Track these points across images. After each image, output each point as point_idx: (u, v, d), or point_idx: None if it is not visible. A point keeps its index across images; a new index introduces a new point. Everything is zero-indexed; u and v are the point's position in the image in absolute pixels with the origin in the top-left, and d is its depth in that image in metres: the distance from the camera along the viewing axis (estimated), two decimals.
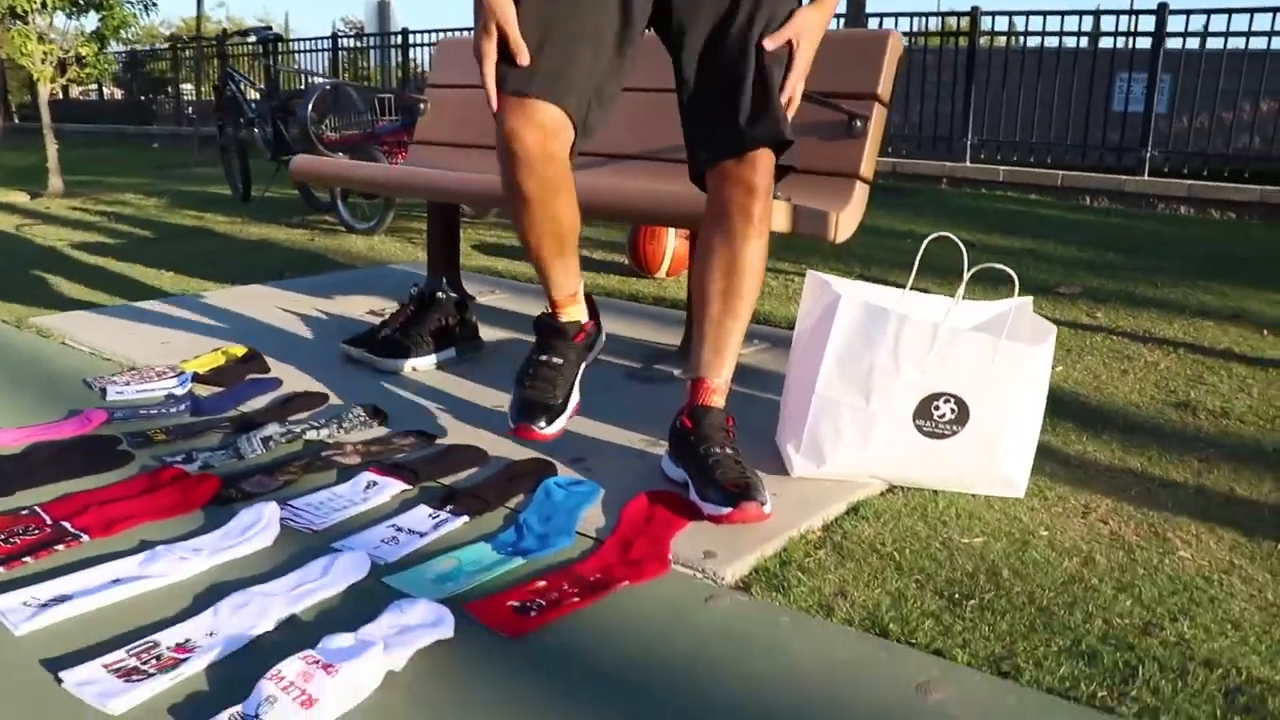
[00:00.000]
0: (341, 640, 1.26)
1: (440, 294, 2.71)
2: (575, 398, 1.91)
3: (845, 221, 2.26)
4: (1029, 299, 1.98)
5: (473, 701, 1.21)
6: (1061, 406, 2.47)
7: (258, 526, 1.61)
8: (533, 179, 1.73)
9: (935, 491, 1.91)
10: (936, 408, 1.81)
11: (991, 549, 1.69)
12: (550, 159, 1.72)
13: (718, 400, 1.84)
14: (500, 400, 2.39)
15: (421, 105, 3.39)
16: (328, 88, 5.46)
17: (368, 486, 1.82)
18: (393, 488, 1.81)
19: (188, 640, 1.31)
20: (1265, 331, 3.34)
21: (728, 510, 1.65)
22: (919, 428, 1.82)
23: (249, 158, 6.49)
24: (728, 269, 1.80)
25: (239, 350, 2.62)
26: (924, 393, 1.80)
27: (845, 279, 2.02)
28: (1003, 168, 7.51)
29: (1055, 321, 3.36)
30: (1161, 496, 1.96)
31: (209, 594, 1.45)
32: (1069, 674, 1.33)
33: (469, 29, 7.16)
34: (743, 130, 1.72)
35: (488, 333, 2.97)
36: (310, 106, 3.78)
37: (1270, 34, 6.82)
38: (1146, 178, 6.96)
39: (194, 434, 2.07)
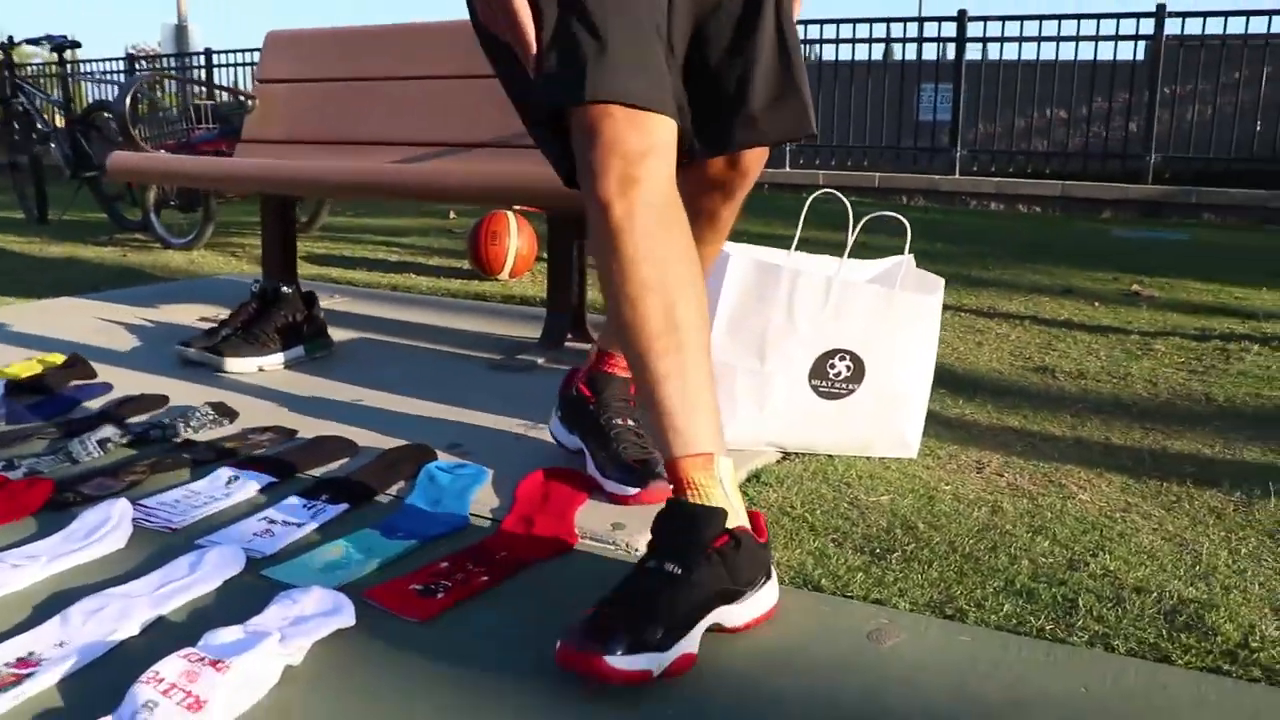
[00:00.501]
0: (228, 634, 1.09)
1: (285, 289, 2.51)
2: (689, 647, 1.12)
3: None
4: (910, 256, 1.96)
5: (383, 692, 1.07)
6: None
7: (106, 527, 1.41)
8: (669, 233, 1.19)
9: (830, 456, 1.85)
10: (832, 365, 1.75)
11: (900, 505, 1.64)
12: (678, 203, 1.23)
13: (622, 373, 1.69)
14: (360, 396, 2.21)
15: (249, 102, 3.16)
16: (147, 78, 5.07)
17: (229, 481, 1.62)
18: (258, 482, 1.62)
19: (31, 654, 1.11)
20: (1096, 304, 3.47)
21: (634, 490, 1.53)
22: (815, 388, 1.76)
23: (44, 178, 5.99)
24: (702, 229, 1.54)
25: (58, 358, 2.35)
26: (819, 350, 1.74)
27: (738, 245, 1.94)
28: (822, 172, 7.71)
29: None
30: (1046, 449, 1.97)
31: (53, 602, 1.24)
32: (1012, 612, 1.28)
33: None
34: (754, 117, 1.38)
35: (335, 335, 2.77)
36: (128, 99, 3.47)
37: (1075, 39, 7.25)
38: (957, 176, 7.27)
39: (14, 441, 1.82)
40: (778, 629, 1.21)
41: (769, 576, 1.23)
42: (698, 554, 1.14)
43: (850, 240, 1.86)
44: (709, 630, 1.16)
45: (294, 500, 1.55)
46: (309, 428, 1.93)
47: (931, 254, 4.65)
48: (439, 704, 1.04)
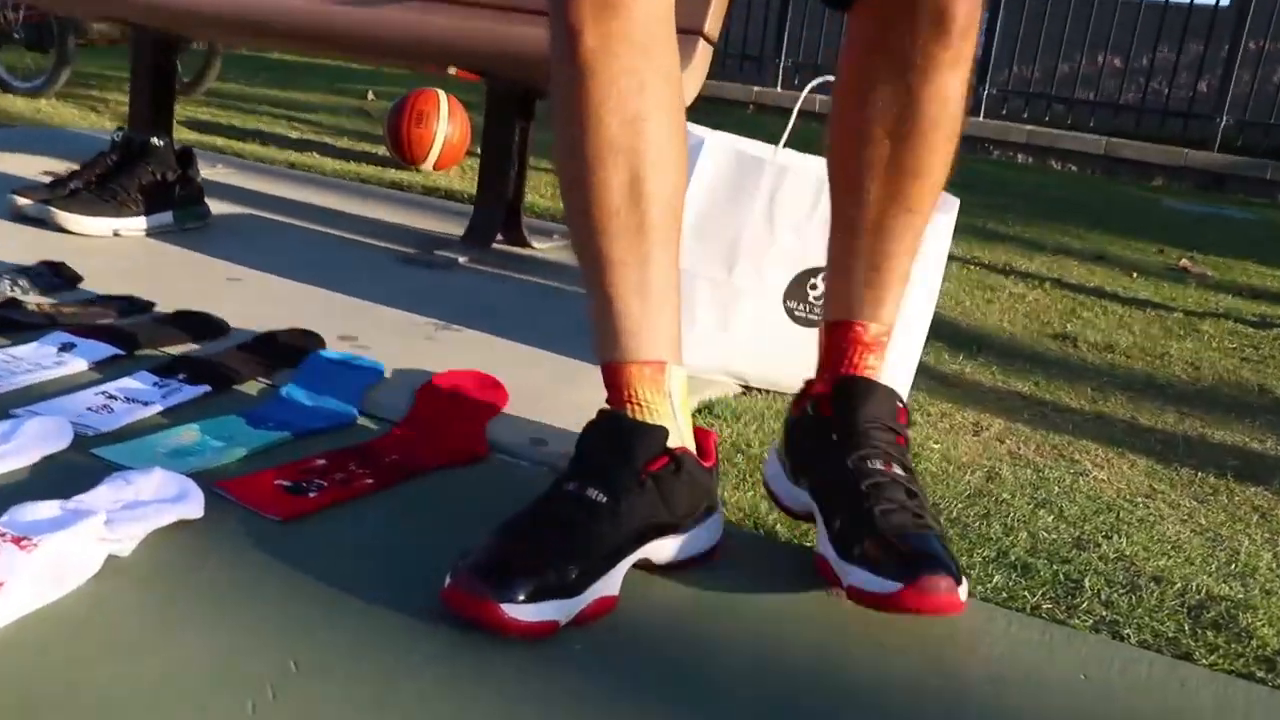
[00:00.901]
0: (41, 510, 1.05)
1: (156, 140, 2.43)
2: (608, 589, 1.09)
3: (686, 84, 2.17)
4: None
5: (225, 597, 1.03)
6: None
7: None
8: (651, 82, 1.14)
9: None
10: (814, 286, 1.74)
11: None
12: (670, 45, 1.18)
13: (879, 365, 1.27)
14: (240, 276, 2.16)
15: None
16: None
17: (63, 349, 1.57)
18: (99, 352, 1.57)
19: None
20: (1135, 275, 3.50)
21: (895, 587, 1.08)
22: (790, 311, 1.74)
23: None
24: (901, 118, 1.20)
25: None
26: (800, 266, 1.73)
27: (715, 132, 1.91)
28: (820, 96, 7.68)
29: None
30: (1058, 420, 1.98)
31: None
32: (1004, 585, 1.28)
33: None
34: None
35: (214, 207, 2.71)
36: None
37: None
38: (981, 118, 7.29)
39: None
40: (722, 572, 1.20)
41: (713, 510, 1.21)
42: (629, 479, 1.12)
43: None
44: (636, 567, 1.14)
45: (145, 377, 1.50)
46: (172, 303, 1.87)
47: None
48: (292, 617, 1.01)
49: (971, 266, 3.35)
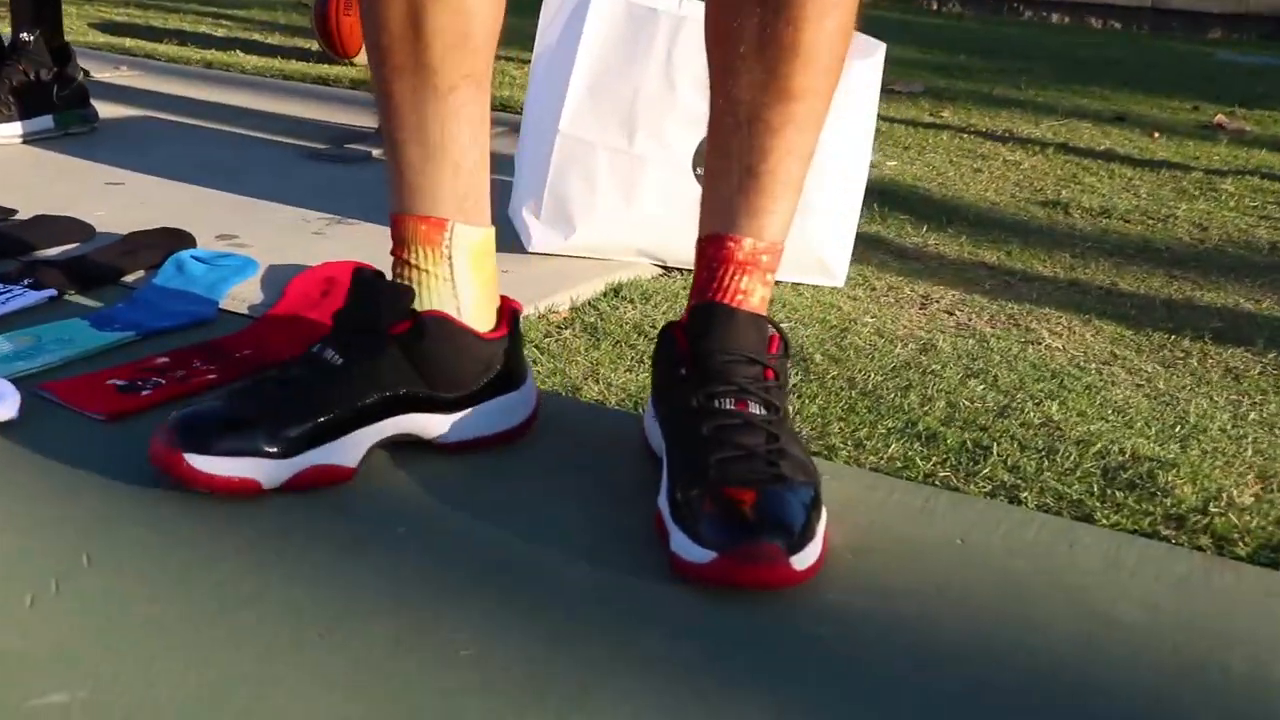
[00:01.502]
0: None
1: (25, 35, 2.47)
2: (335, 458, 1.14)
3: None
4: None
5: (28, 498, 1.08)
6: (893, 199, 2.54)
7: None
8: None
9: None
10: None
11: (799, 335, 1.67)
12: None
13: (754, 289, 1.19)
14: (121, 179, 2.20)
15: None
16: None
17: None
18: None
19: None
20: (1156, 135, 3.50)
21: (709, 557, 1.00)
22: (700, 178, 1.77)
23: None
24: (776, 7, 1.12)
25: None
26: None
27: None
28: None
29: (889, 120, 3.45)
30: (1023, 290, 2.01)
31: None
32: (898, 454, 1.32)
33: None
34: None
35: (105, 110, 2.75)
36: None
37: None
38: None
39: None
40: (539, 449, 1.26)
41: (513, 388, 1.24)
42: (366, 342, 1.16)
43: None
44: (409, 445, 1.20)
45: None
46: (37, 210, 1.92)
47: (948, 67, 4.66)
48: (96, 515, 1.06)
49: (965, 135, 3.36)
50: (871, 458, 1.31)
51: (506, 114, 3.04)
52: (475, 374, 1.20)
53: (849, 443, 1.34)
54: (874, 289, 1.93)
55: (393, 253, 1.21)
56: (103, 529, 1.04)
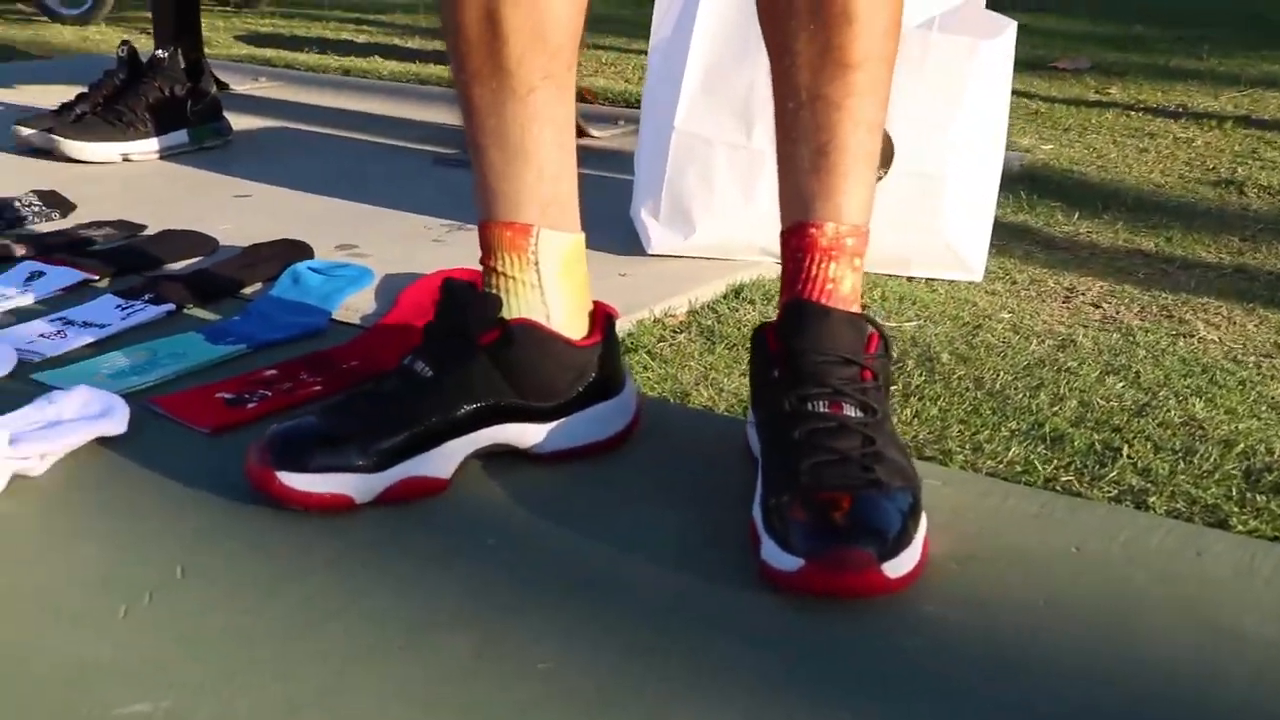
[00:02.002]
0: None
1: (160, 53, 2.58)
2: (427, 470, 1.17)
3: None
4: None
5: (128, 511, 1.14)
6: (1044, 185, 2.50)
7: None
8: None
9: None
10: None
11: (927, 333, 1.66)
12: None
13: (843, 275, 1.18)
14: (250, 191, 2.29)
15: None
16: None
17: (30, 279, 1.71)
18: (67, 278, 1.71)
19: None
20: None
21: (797, 565, 1.00)
22: None
23: None
24: None
25: None
26: None
27: None
28: None
29: (1050, 100, 3.39)
30: (1182, 278, 1.96)
31: None
32: (1018, 458, 1.30)
33: None
34: None
35: (241, 123, 2.85)
36: None
37: None
38: None
39: None
40: (638, 457, 1.27)
41: (609, 395, 1.26)
42: (457, 352, 1.18)
43: None
44: (504, 455, 1.22)
45: (107, 301, 1.63)
46: (167, 224, 2.01)
47: (1120, 39, 4.56)
48: (191, 527, 1.11)
49: (1133, 113, 3.29)
50: (989, 462, 1.30)
51: (630, 109, 3.07)
52: (568, 382, 1.23)
53: (966, 446, 1.33)
54: (1014, 282, 1.90)
55: (482, 261, 1.24)
56: (198, 542, 1.09)
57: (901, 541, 1.02)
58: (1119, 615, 1.01)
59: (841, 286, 1.17)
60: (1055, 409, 1.43)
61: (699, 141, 1.76)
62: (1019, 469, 1.28)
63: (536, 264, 1.22)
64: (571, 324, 1.24)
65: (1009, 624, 1.00)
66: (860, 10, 1.13)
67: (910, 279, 1.88)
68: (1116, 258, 2.06)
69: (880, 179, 1.77)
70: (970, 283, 1.88)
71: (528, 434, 1.22)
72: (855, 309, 1.18)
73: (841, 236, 1.17)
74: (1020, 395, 1.47)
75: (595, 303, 1.29)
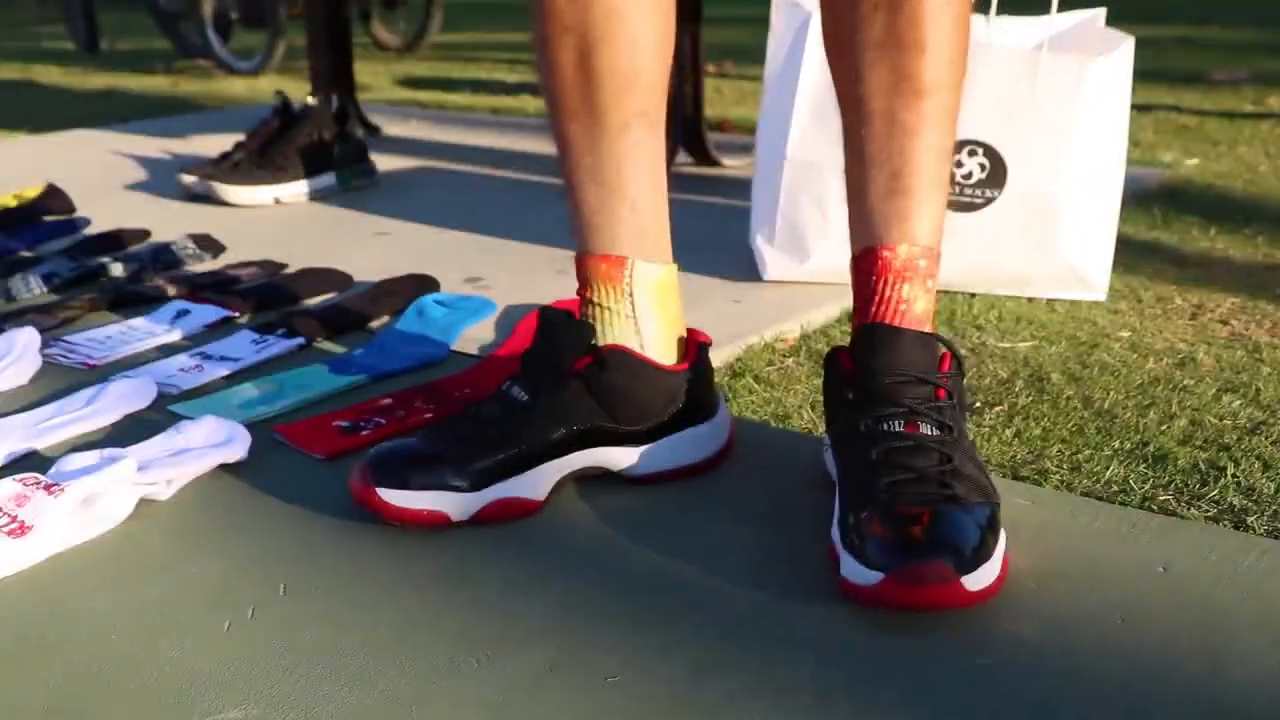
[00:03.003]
0: (80, 460, 1.25)
1: (310, 99, 2.69)
2: (523, 491, 1.21)
3: None
4: (1101, 10, 1.92)
5: (243, 532, 1.21)
6: (1184, 200, 2.46)
7: (5, 360, 1.61)
8: None
9: (973, 295, 1.87)
10: (959, 164, 1.76)
11: (1042, 353, 1.65)
12: None
13: (916, 297, 1.20)
14: (390, 229, 2.37)
15: None
16: None
17: (177, 317, 1.81)
18: (210, 316, 1.80)
19: None
20: None
21: (876, 579, 1.02)
22: None
23: None
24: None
25: (34, 191, 2.62)
26: None
27: None
28: None
29: (1202, 114, 3.32)
30: None
31: None
32: (1117, 477, 1.29)
33: None
34: None
35: (389, 163, 2.95)
36: None
37: None
38: None
39: None
40: (730, 477, 1.30)
41: (702, 420, 1.29)
42: (551, 377, 1.23)
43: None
44: (596, 478, 1.26)
45: (244, 336, 1.71)
46: (308, 262, 2.09)
47: (1269, 46, 4.44)
48: (300, 546, 1.17)
49: None
50: (1086, 481, 1.29)
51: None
52: (660, 406, 1.26)
53: (1065, 466, 1.32)
54: (1140, 300, 1.88)
55: (578, 293, 1.29)
56: (303, 560, 1.15)
57: (980, 555, 1.03)
58: (1199, 633, 1.00)
59: (914, 307, 1.19)
60: (1163, 427, 1.41)
61: (811, 169, 1.78)
62: (1115, 488, 1.27)
63: (631, 295, 1.27)
64: (664, 352, 1.28)
65: (1083, 641, 0.99)
66: (931, 39, 1.17)
67: (1030, 300, 1.86)
68: (1253, 273, 2.02)
69: (991, 201, 1.77)
70: (1093, 302, 1.86)
71: (621, 457, 1.26)
72: (928, 329, 1.19)
73: (915, 258, 1.19)
74: (1128, 414, 1.45)
75: (689, 330, 1.32)
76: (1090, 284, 1.84)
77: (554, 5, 1.22)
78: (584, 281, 1.28)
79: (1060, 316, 1.80)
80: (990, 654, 0.98)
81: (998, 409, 1.48)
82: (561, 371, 1.23)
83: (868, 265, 1.21)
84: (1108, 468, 1.31)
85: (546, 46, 1.24)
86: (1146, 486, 1.27)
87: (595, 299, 1.27)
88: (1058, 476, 1.30)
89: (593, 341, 1.24)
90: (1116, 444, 1.37)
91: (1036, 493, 1.25)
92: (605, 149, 1.25)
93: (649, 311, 1.27)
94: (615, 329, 1.26)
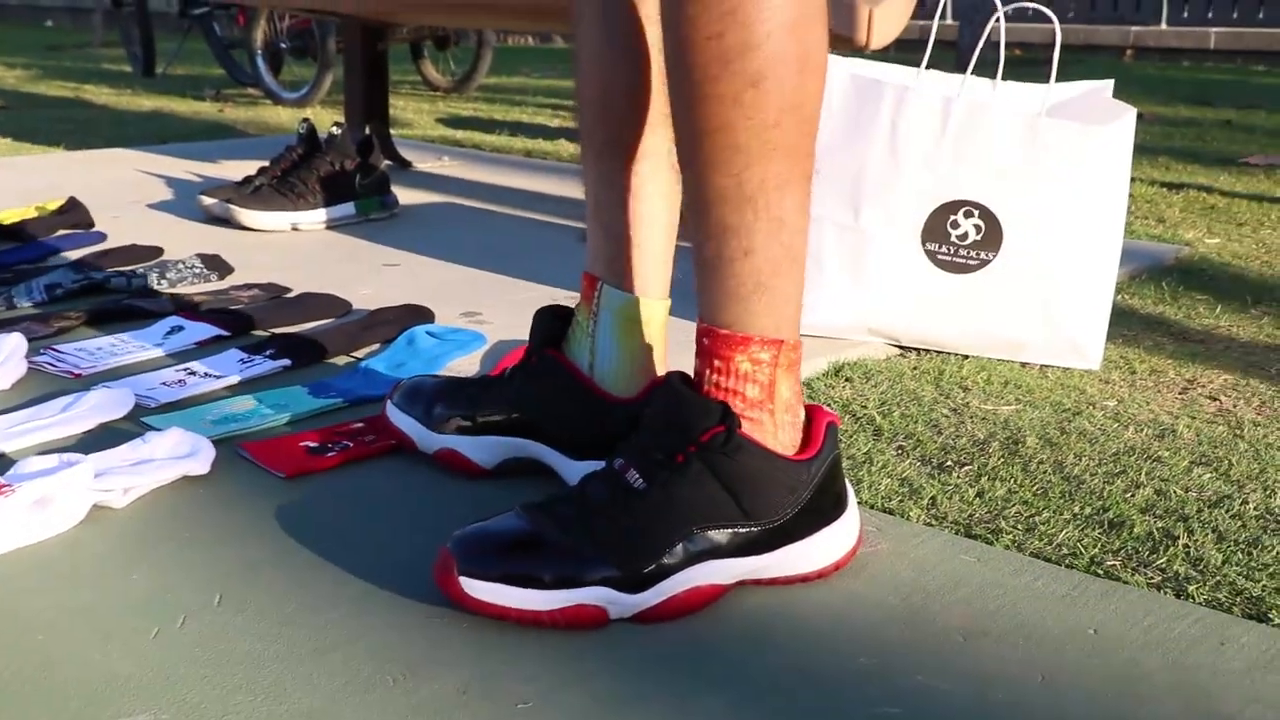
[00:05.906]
0: (37, 463, 1.28)
1: (334, 129, 2.74)
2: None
3: (884, 20, 2.20)
4: (1109, 82, 1.93)
5: (191, 544, 1.22)
6: (1195, 278, 2.46)
7: None
8: None
9: (965, 357, 1.88)
10: (954, 224, 1.77)
11: (1023, 417, 1.65)
12: None
13: (728, 383, 1.17)
14: (399, 260, 2.40)
15: None
16: None
17: (170, 333, 1.84)
18: (203, 333, 1.83)
19: None
20: None
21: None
22: (931, 254, 1.79)
23: (151, 22, 6.60)
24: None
25: (56, 203, 2.68)
26: (935, 201, 1.77)
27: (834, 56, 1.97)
28: (1214, 30, 7.34)
29: (1232, 195, 3.32)
30: None
31: None
32: (1068, 540, 1.29)
33: None
34: None
35: (414, 197, 3.00)
36: None
37: None
38: None
39: None
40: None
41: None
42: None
43: (1055, 60, 1.86)
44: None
45: (231, 355, 1.74)
46: (312, 288, 2.13)
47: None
48: (244, 562, 1.19)
49: None
50: (1037, 542, 1.29)
51: None
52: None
53: (1020, 526, 1.33)
54: (1133, 372, 1.87)
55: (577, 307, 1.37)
56: (243, 573, 1.17)
57: (498, 574, 1.07)
58: (1116, 698, 1.00)
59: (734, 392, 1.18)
60: (1127, 495, 1.41)
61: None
62: (1065, 551, 1.27)
63: (595, 314, 1.32)
64: (613, 381, 1.32)
65: (998, 698, 1.00)
66: (712, 118, 1.09)
67: (1024, 365, 1.87)
68: (1252, 352, 2.01)
69: (986, 263, 1.78)
70: (1086, 370, 1.86)
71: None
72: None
73: (732, 347, 1.19)
74: (1095, 480, 1.45)
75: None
76: (1084, 354, 1.85)
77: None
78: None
79: (1049, 383, 1.80)
80: (900, 704, 0.99)
81: (966, 468, 1.48)
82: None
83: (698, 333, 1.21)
84: (1062, 530, 1.32)
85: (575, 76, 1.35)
86: (1096, 550, 1.27)
87: (576, 313, 1.34)
88: (1010, 537, 1.30)
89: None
90: (1076, 508, 1.38)
91: (985, 551, 1.25)
92: (589, 171, 1.35)
93: (609, 337, 1.32)
94: (572, 341, 1.34)
